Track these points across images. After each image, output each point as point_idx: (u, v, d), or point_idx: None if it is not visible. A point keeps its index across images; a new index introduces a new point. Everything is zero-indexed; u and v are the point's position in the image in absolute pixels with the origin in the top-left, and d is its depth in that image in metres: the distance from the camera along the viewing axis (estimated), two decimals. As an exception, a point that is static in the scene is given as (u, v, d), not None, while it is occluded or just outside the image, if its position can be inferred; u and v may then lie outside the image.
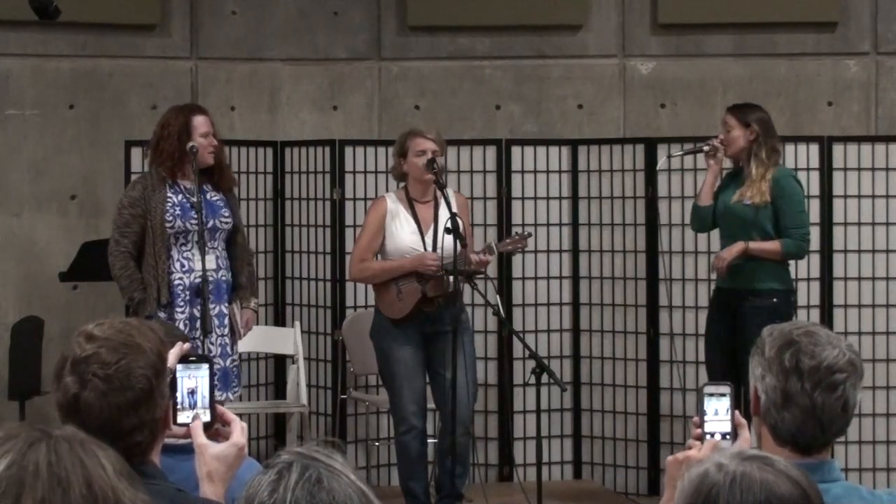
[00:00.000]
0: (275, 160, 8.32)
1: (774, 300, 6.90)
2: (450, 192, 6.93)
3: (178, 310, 6.45)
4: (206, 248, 6.53)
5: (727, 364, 6.90)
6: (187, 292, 6.47)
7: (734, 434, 3.03)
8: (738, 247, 6.88)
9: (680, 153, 7.38)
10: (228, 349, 6.60)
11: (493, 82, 8.72)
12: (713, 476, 2.13)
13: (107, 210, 8.33)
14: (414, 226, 6.87)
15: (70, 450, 1.79)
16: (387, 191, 7.61)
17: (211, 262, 6.52)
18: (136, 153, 7.72)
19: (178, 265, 6.50)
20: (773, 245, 6.92)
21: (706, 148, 7.07)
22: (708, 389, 3.07)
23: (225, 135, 6.99)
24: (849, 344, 2.94)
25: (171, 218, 6.48)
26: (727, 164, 7.18)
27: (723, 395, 3.05)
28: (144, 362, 2.71)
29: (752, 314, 6.78)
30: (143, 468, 2.70)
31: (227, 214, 6.64)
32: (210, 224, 6.55)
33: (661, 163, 7.47)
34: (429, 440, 7.09)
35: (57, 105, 8.44)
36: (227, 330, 6.60)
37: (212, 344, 6.51)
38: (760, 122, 7.00)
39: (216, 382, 6.41)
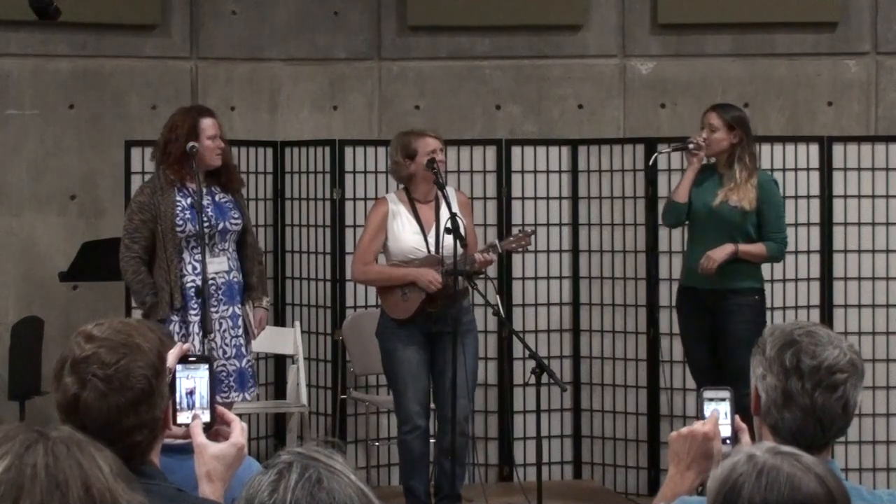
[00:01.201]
0: (275, 160, 8.32)
1: (756, 297, 7.03)
2: (451, 190, 6.94)
3: (192, 312, 6.44)
4: (217, 251, 6.54)
5: (712, 363, 6.96)
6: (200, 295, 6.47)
7: (734, 438, 3.03)
8: (728, 248, 6.94)
9: (668, 150, 7.38)
10: (243, 350, 6.60)
11: (493, 82, 8.72)
12: (742, 466, 2.14)
13: (107, 210, 8.34)
14: (416, 226, 6.88)
15: (68, 452, 1.79)
16: (387, 191, 7.62)
17: (223, 263, 6.52)
18: (136, 153, 7.72)
19: (189, 268, 6.49)
20: (758, 248, 7.02)
21: (691, 146, 7.07)
22: (707, 394, 3.07)
23: (225, 135, 6.98)
24: (850, 344, 2.94)
25: (181, 222, 6.47)
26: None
27: (722, 399, 3.05)
28: (144, 362, 2.71)
29: (735, 311, 6.92)
30: (142, 468, 2.70)
31: (236, 216, 6.63)
32: (220, 226, 6.54)
33: (652, 160, 7.45)
34: (430, 440, 7.08)
35: (57, 105, 8.44)
36: (241, 331, 6.60)
37: (227, 345, 6.52)
38: (743, 124, 7.06)
39: (232, 384, 6.47)
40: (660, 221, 7.73)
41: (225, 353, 6.49)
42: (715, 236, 7.01)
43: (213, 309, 6.46)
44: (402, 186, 7.00)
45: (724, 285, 6.96)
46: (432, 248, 6.83)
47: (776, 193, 7.13)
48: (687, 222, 7.24)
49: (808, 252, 7.82)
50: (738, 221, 6.98)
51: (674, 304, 7.69)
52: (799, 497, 2.10)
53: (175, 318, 6.40)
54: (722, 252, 6.94)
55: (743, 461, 2.15)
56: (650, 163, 7.50)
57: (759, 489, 2.11)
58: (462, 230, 6.54)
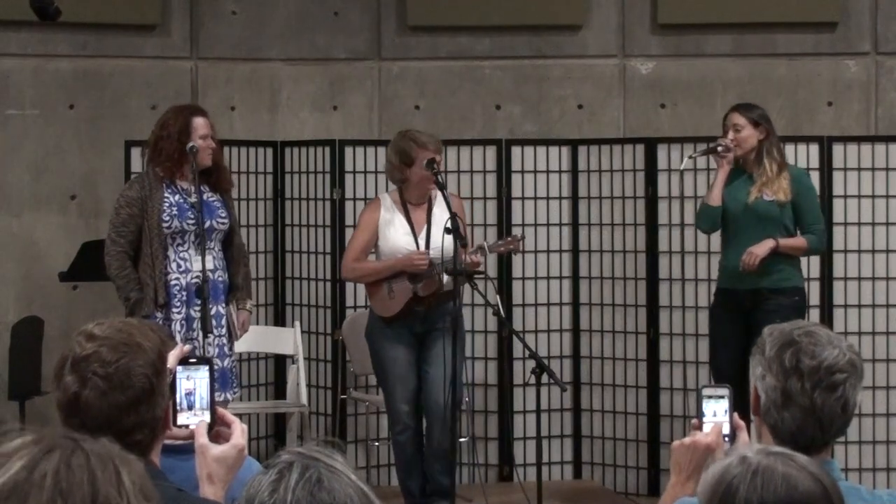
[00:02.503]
0: (275, 160, 8.32)
1: (797, 298, 6.93)
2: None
3: (175, 310, 6.45)
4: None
5: (738, 366, 6.89)
6: (184, 293, 6.47)
7: (733, 436, 3.03)
8: (769, 244, 6.86)
9: (696, 154, 7.28)
10: (226, 349, 6.59)
11: (493, 82, 8.72)
12: (735, 468, 2.13)
13: (107, 210, 8.31)
14: (407, 227, 6.89)
15: (86, 463, 1.78)
16: (387, 191, 7.61)
17: (208, 262, 6.51)
18: (136, 153, 7.71)
19: (174, 265, 6.49)
20: (799, 241, 6.95)
21: (720, 148, 7.03)
22: (706, 392, 3.07)
23: (225, 135, 7.00)
24: (849, 344, 2.94)
25: (167, 218, 6.47)
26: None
27: (721, 397, 3.05)
28: (144, 361, 2.71)
29: (776, 311, 6.70)
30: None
31: (223, 215, 6.63)
32: (207, 225, 6.53)
33: (684, 164, 7.36)
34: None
35: (57, 105, 8.44)
36: (224, 331, 6.59)
37: (209, 345, 6.51)
38: (767, 120, 7.04)
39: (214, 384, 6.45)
40: (660, 222, 7.73)
41: (207, 352, 6.48)
42: (753, 233, 6.93)
43: (197, 308, 6.45)
44: (396, 187, 7.00)
45: (765, 285, 6.89)
46: (422, 248, 6.83)
47: (810, 185, 7.09)
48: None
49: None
50: (776, 215, 6.92)
51: (674, 304, 7.69)
52: (796, 495, 2.10)
53: (158, 315, 6.39)
54: (763, 247, 6.85)
55: (736, 463, 2.15)
56: (681, 168, 7.40)
57: (755, 490, 2.11)
58: (462, 230, 6.55)
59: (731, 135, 7.00)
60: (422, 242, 6.85)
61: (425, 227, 6.86)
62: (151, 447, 2.75)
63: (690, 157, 7.26)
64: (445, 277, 6.77)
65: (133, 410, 2.69)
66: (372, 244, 6.96)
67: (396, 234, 6.89)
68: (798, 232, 7.03)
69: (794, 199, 6.95)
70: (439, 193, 6.81)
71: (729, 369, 6.89)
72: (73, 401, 2.68)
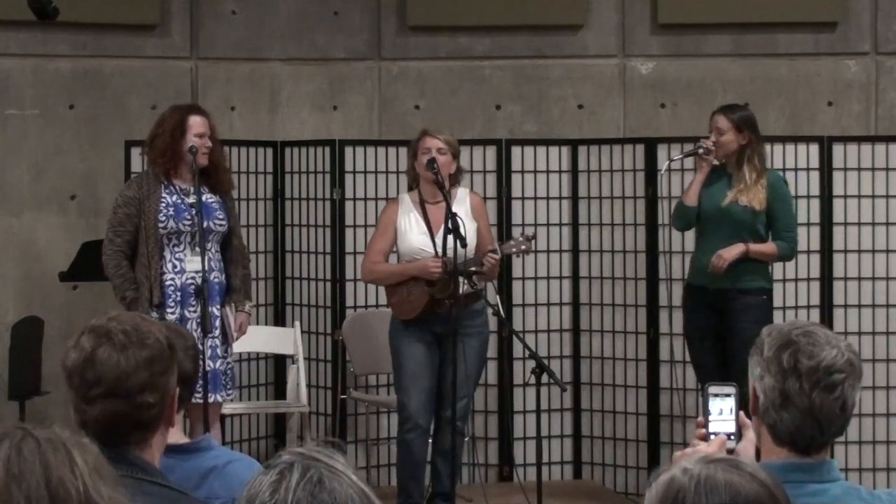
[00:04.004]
0: (275, 160, 8.32)
1: (764, 297, 7.02)
2: (464, 191, 6.95)
3: (169, 310, 6.45)
4: (199, 250, 6.51)
5: (717, 358, 6.96)
6: (178, 293, 6.47)
7: (738, 434, 3.02)
8: (739, 248, 6.93)
9: (679, 156, 7.36)
10: (219, 351, 6.58)
11: (493, 82, 8.72)
12: (679, 480, 2.14)
13: (107, 210, 8.31)
14: (424, 227, 6.85)
15: (37, 448, 1.81)
16: (387, 191, 7.63)
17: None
18: (136, 153, 7.72)
19: (170, 266, 6.50)
20: (769, 247, 7.03)
21: (701, 150, 7.07)
22: (713, 390, 3.06)
23: (225, 135, 7.00)
24: (847, 344, 2.94)
25: (164, 218, 6.48)
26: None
27: (727, 395, 3.04)
28: (160, 334, 2.76)
29: (743, 310, 6.89)
30: (144, 465, 2.70)
31: (221, 217, 6.62)
32: (204, 226, 6.52)
33: (665, 167, 7.42)
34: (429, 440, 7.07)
35: (57, 105, 8.44)
36: (217, 332, 6.57)
37: (207, 346, 6.50)
38: (750, 125, 7.06)
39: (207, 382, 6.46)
40: (659, 222, 7.73)
41: (206, 352, 6.48)
42: (724, 236, 6.99)
43: (191, 308, 6.46)
44: (416, 187, 6.97)
45: (733, 285, 6.94)
46: (440, 249, 6.77)
47: (786, 192, 7.13)
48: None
49: (808, 252, 7.82)
50: (747, 221, 6.98)
51: (674, 304, 7.69)
52: (740, 500, 2.11)
53: (154, 314, 6.38)
54: (733, 251, 6.93)
55: (679, 475, 2.16)
56: (663, 170, 7.44)
57: (699, 499, 2.11)
58: (462, 230, 6.52)
59: (712, 137, 7.05)
60: (439, 242, 6.79)
61: (442, 226, 6.78)
62: (159, 422, 2.76)
63: (672, 160, 7.33)
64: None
65: (147, 367, 2.71)
66: (391, 245, 6.93)
67: (412, 235, 6.86)
68: (771, 238, 7.08)
69: (768, 206, 6.99)
70: (458, 191, 6.83)
71: (708, 361, 6.98)
72: (89, 358, 2.70)
